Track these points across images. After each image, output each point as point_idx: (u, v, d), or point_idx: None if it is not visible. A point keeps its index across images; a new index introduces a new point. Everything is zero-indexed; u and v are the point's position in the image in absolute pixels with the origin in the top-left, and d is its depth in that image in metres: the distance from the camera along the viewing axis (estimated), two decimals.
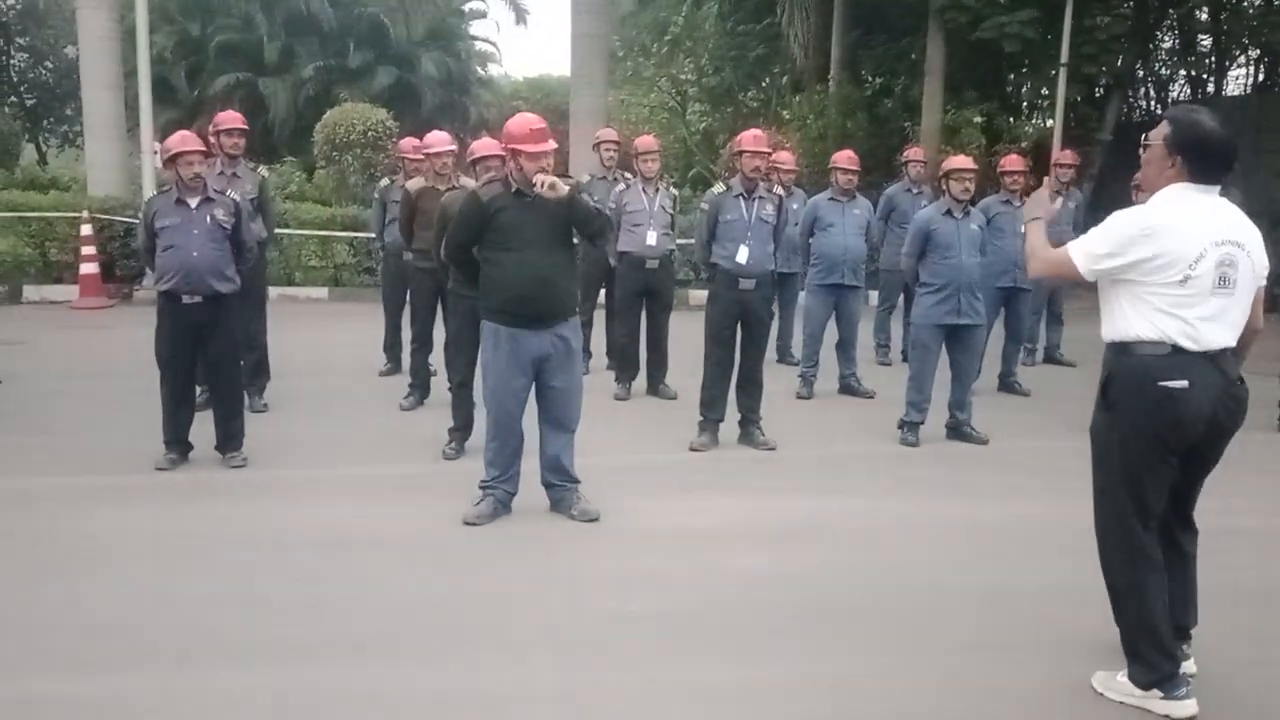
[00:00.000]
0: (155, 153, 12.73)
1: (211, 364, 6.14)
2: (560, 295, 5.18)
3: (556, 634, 4.06)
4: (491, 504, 5.30)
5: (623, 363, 8.32)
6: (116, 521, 5.22)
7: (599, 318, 8.95)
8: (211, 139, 7.07)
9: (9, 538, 4.96)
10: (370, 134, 14.99)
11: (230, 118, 7.39)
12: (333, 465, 6.26)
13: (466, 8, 30.66)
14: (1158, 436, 3.36)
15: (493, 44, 50.39)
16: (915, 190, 9.61)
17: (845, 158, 8.58)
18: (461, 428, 6.46)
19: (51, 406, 7.53)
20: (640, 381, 8.29)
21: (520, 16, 30.16)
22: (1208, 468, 3.54)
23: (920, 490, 6.06)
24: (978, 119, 16.73)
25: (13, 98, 28.81)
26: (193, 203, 5.97)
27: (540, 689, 3.63)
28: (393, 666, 3.76)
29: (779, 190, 7.09)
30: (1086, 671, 3.71)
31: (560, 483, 5.40)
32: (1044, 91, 19.12)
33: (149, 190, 12.02)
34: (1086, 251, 3.42)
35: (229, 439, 6.17)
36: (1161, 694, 3.45)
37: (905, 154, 10.27)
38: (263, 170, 7.86)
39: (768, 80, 23.43)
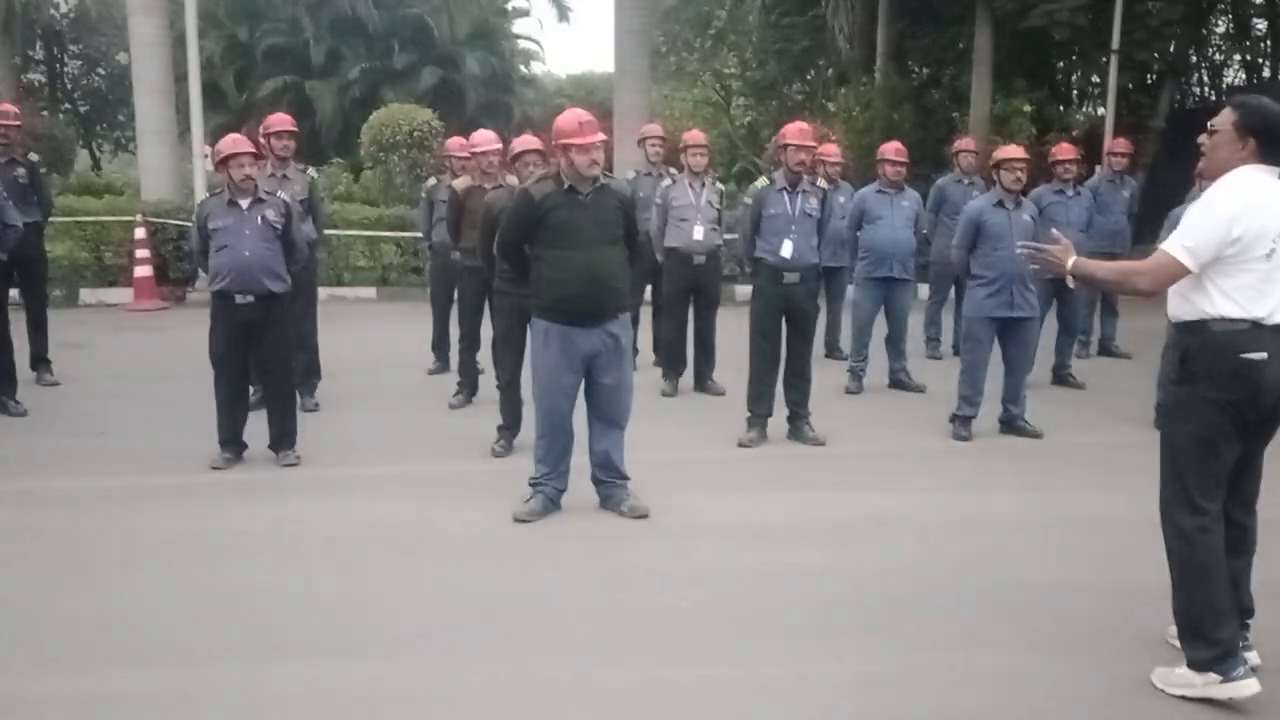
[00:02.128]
0: (206, 156, 12.91)
1: (264, 363, 6.21)
2: (611, 292, 5.17)
3: (608, 630, 4.05)
4: (541, 501, 5.31)
5: (670, 359, 8.30)
6: (173, 520, 5.30)
7: (645, 314, 8.93)
8: (262, 141, 7.14)
9: (70, 537, 5.05)
10: (416, 134, 15.10)
11: (280, 120, 7.46)
12: (383, 463, 6.30)
13: (510, 6, 30.81)
14: (1236, 407, 3.44)
15: (536, 42, 50.62)
16: (966, 181, 9.50)
17: (893, 149, 8.49)
18: (510, 425, 6.48)
19: (109, 408, 7.66)
20: (687, 378, 8.27)
21: (563, 14, 30.31)
22: (1268, 440, 3.61)
23: (974, 485, 5.99)
24: (1027, 108, 16.51)
25: (66, 105, 29.43)
26: (244, 204, 6.04)
27: (593, 685, 3.62)
28: (445, 663, 3.78)
29: (823, 183, 7.03)
30: (1147, 668, 3.65)
31: (610, 479, 5.40)
32: (1094, 79, 18.84)
33: (201, 194, 12.20)
34: (1185, 247, 3.45)
35: (282, 438, 6.24)
36: (1220, 678, 3.46)
37: (955, 145, 10.15)
38: (312, 172, 7.92)
39: (812, 73, 23.31)
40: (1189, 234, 3.46)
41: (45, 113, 22.39)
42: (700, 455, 6.56)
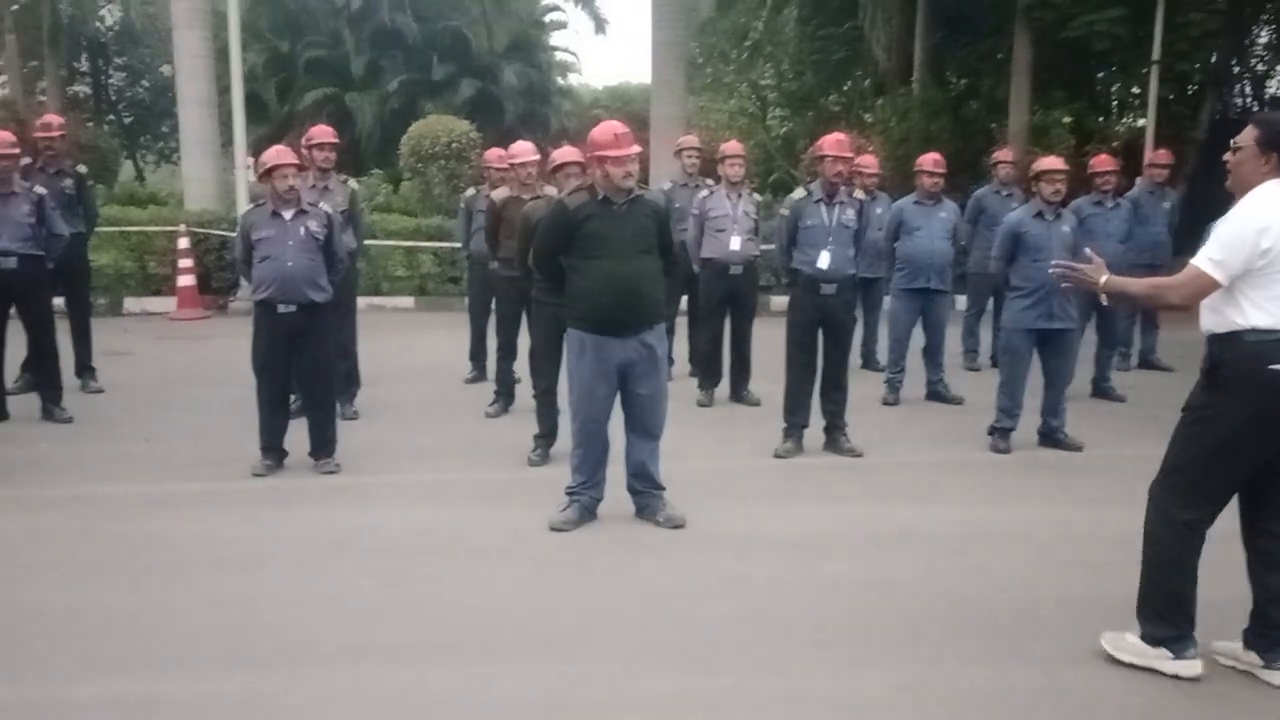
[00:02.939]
0: (248, 167, 13.11)
1: (305, 372, 6.28)
2: (646, 303, 5.19)
3: (643, 640, 4.06)
4: (577, 510, 5.33)
5: (706, 369, 8.31)
6: (214, 526, 5.37)
7: (681, 325, 8.94)
8: (304, 153, 7.23)
9: (113, 541, 5.13)
10: (454, 145, 15.21)
11: (322, 132, 7.54)
12: (421, 471, 6.36)
13: (548, 19, 30.95)
14: (1264, 420, 3.52)
15: (573, 53, 50.87)
16: (1005, 192, 9.45)
17: (931, 160, 8.46)
18: (546, 434, 6.51)
19: (152, 415, 7.76)
20: (723, 388, 8.27)
21: (600, 25, 30.36)
22: None
23: (1013, 499, 5.95)
24: (1066, 119, 16.38)
25: (111, 116, 29.88)
26: (287, 215, 6.12)
27: (628, 695, 3.63)
28: (481, 671, 3.80)
29: (860, 194, 7.02)
30: (1190, 684, 3.61)
31: (646, 489, 5.41)
32: (1134, 90, 18.67)
33: (243, 204, 12.37)
34: (1215, 262, 3.53)
35: (322, 445, 6.30)
36: (1171, 654, 3.66)
37: (994, 155, 10.10)
38: (353, 183, 8.01)
39: (849, 84, 23.25)
40: (1218, 248, 3.53)
41: (90, 124, 22.77)
42: (736, 466, 6.56)
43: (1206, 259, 3.55)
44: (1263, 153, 3.58)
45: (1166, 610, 3.69)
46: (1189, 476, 3.66)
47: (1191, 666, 3.67)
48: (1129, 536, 5.19)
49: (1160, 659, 3.69)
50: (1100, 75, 18.98)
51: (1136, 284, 4.02)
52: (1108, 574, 4.75)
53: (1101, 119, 18.19)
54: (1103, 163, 8.63)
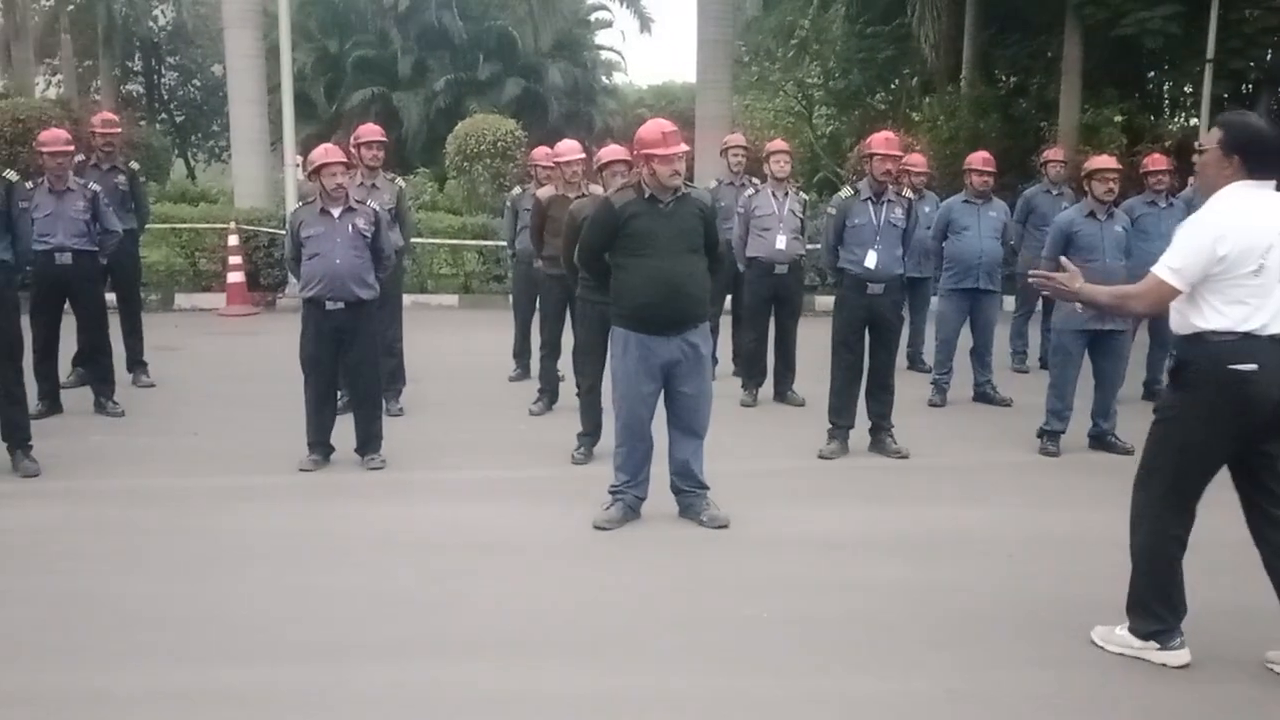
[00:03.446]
0: (297, 165, 13.25)
1: (352, 369, 6.33)
2: (691, 302, 5.17)
3: (687, 639, 4.05)
4: (621, 509, 5.33)
5: (750, 369, 8.27)
6: (262, 520, 5.43)
7: (725, 324, 8.91)
8: (352, 151, 7.29)
9: (164, 534, 5.20)
10: (499, 144, 15.26)
11: (370, 130, 7.59)
12: (465, 468, 6.38)
13: (593, 17, 31.02)
14: (1226, 417, 3.61)
15: (618, 52, 50.91)
16: (1055, 192, 9.32)
17: (980, 159, 8.37)
18: (590, 433, 6.51)
19: (202, 409, 7.86)
20: (767, 388, 8.23)
21: (645, 24, 30.40)
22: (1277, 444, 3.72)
23: (1063, 502, 5.86)
24: (1118, 118, 16.13)
25: (163, 115, 30.36)
26: (335, 212, 6.17)
27: (673, 694, 3.62)
28: (525, 667, 3.81)
29: (908, 193, 6.95)
30: (1243, 691, 3.57)
31: (689, 489, 5.39)
32: (1187, 88, 18.35)
33: (292, 202, 12.49)
34: (1174, 270, 3.62)
35: (368, 442, 6.35)
36: (1159, 645, 3.77)
37: (1044, 154, 9.97)
38: (400, 181, 8.06)
39: (896, 82, 23.06)
40: (1177, 256, 3.61)
41: (143, 122, 23.12)
42: (780, 466, 6.53)
43: (1166, 267, 3.62)
44: (1226, 155, 3.62)
45: (1153, 605, 3.79)
46: (1164, 477, 3.76)
47: (1177, 656, 3.77)
48: None
49: (1147, 650, 3.80)
50: (1152, 73, 18.67)
51: (1105, 292, 4.04)
52: None
53: (1153, 118, 17.90)
54: (1156, 162, 8.48)
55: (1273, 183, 3.66)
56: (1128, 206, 7.96)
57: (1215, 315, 3.58)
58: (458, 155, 15.55)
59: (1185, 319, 3.67)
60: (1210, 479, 3.75)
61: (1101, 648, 3.91)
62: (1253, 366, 3.54)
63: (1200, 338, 3.62)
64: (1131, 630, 3.85)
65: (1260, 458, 3.71)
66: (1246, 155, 3.61)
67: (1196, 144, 3.72)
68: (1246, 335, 3.55)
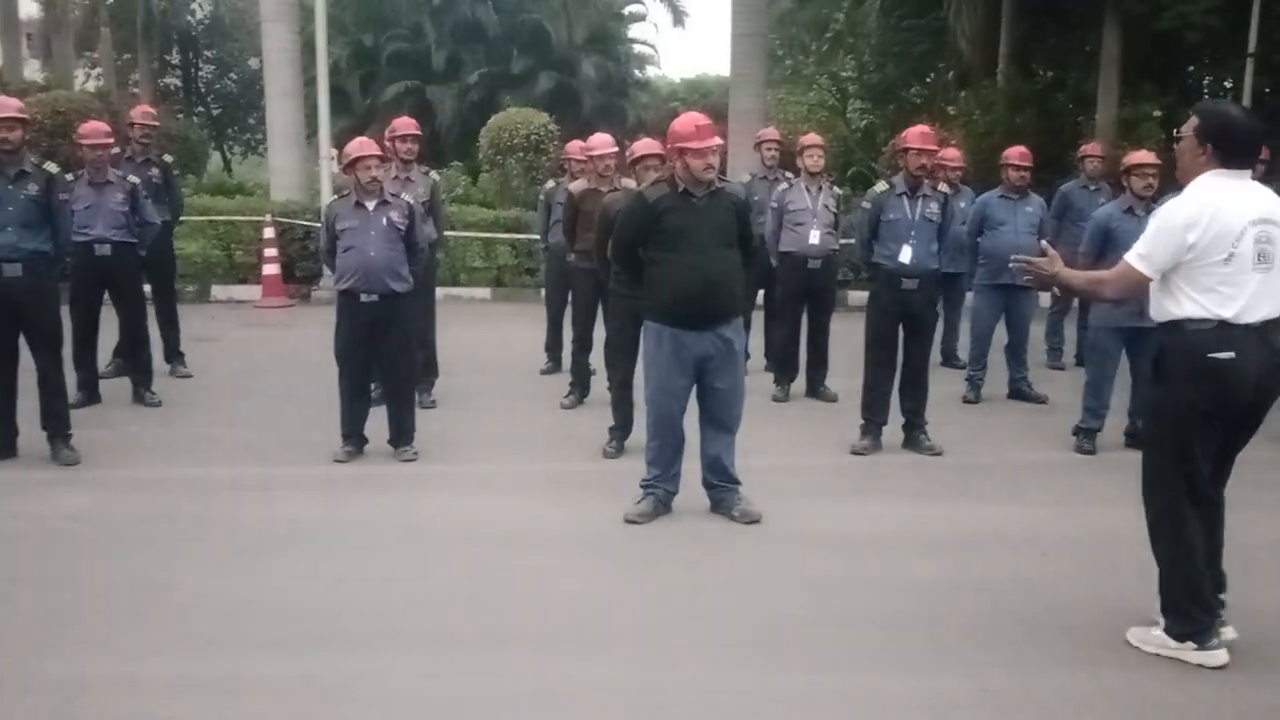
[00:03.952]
0: (332, 158, 13.33)
1: (386, 361, 6.37)
2: (725, 297, 5.16)
3: (717, 635, 4.04)
4: (652, 503, 5.33)
5: (782, 364, 8.24)
6: (296, 510, 5.48)
7: (758, 319, 8.88)
8: (387, 144, 7.32)
9: (200, 523, 5.26)
10: (532, 138, 15.29)
11: (405, 124, 7.62)
12: (497, 461, 6.41)
13: (626, 11, 31.01)
14: (1207, 405, 3.65)
15: (651, 46, 50.82)
16: (1092, 187, 9.22)
17: (1018, 153, 8.29)
18: (621, 426, 6.51)
19: (238, 400, 7.94)
20: (799, 384, 8.20)
21: (679, 18, 30.36)
22: (1251, 431, 3.80)
23: (1098, 501, 5.79)
24: (1157, 113, 15.91)
25: (200, 108, 30.65)
26: (370, 205, 6.20)
27: (702, 688, 3.62)
28: (556, 659, 3.82)
29: (944, 188, 6.90)
30: None
31: (721, 484, 5.38)
32: (1228, 83, 18.06)
33: (327, 195, 12.57)
34: (1143, 256, 3.70)
35: (401, 434, 6.38)
36: (1195, 645, 3.74)
37: (1081, 149, 9.85)
38: (434, 175, 8.09)
39: (932, 76, 22.87)
40: (1145, 243, 3.69)
41: (180, 116, 23.36)
42: (812, 462, 6.51)
43: (1136, 254, 3.70)
44: (1200, 143, 3.68)
45: (1183, 603, 3.76)
46: (1160, 471, 3.80)
47: (1215, 657, 3.73)
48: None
49: (1184, 650, 3.77)
50: (1191, 68, 18.42)
51: (1078, 277, 4.16)
52: None
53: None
54: None
55: (1246, 172, 3.71)
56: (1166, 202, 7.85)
57: (1190, 304, 3.62)
58: (491, 149, 15.60)
59: (1163, 307, 3.72)
60: (1210, 460, 3.76)
61: (1138, 649, 3.87)
62: (1229, 355, 3.58)
63: (1177, 326, 3.67)
64: (1167, 631, 3.82)
65: (1227, 444, 3.81)
66: (1219, 144, 3.67)
67: (1176, 131, 3.80)
68: (1222, 324, 3.59)
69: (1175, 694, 3.60)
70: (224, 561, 4.76)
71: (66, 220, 6.44)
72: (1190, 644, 3.76)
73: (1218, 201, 3.61)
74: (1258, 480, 3.78)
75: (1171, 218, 3.64)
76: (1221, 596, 3.85)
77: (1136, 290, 3.81)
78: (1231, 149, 3.67)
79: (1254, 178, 3.86)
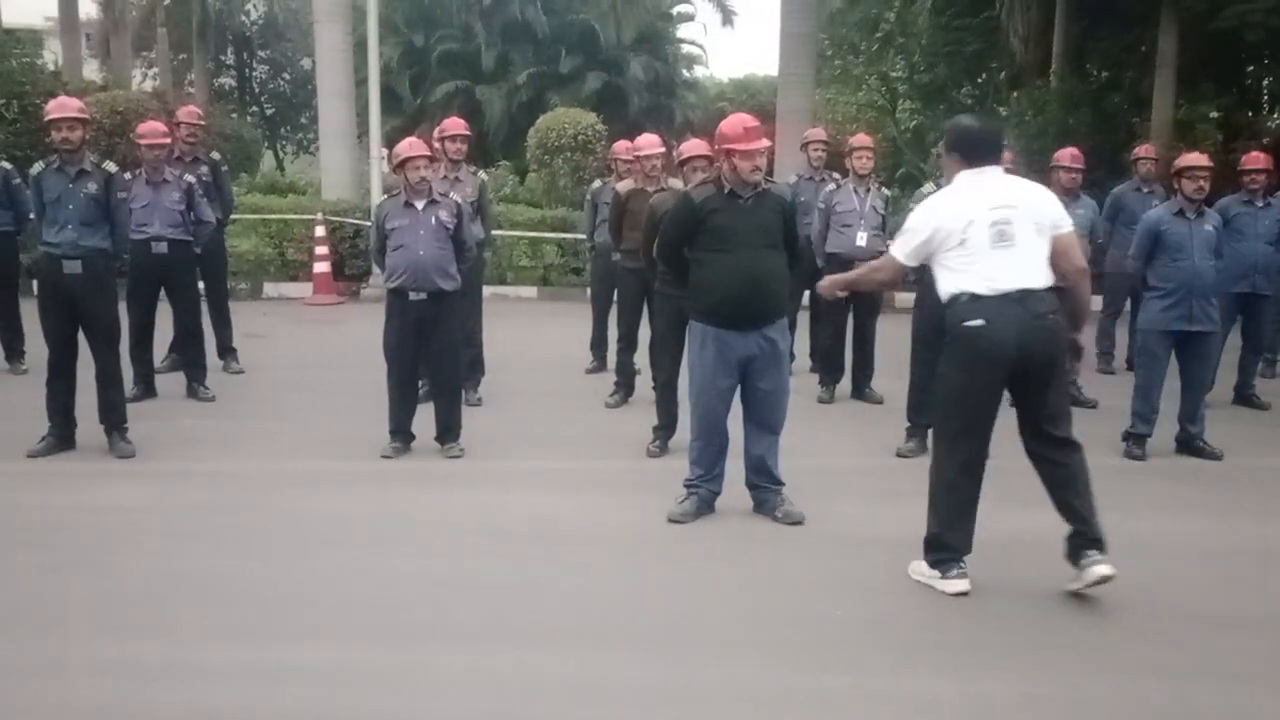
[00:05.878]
0: (382, 158, 13.48)
1: (434, 358, 6.44)
2: (770, 297, 5.17)
3: (759, 635, 4.06)
4: (695, 503, 5.35)
5: (827, 366, 8.22)
6: (344, 504, 5.57)
7: (803, 319, 8.86)
8: (436, 144, 7.40)
9: (251, 515, 5.36)
10: (580, 138, 15.35)
11: (454, 124, 7.69)
12: (542, 459, 6.46)
13: (675, 11, 30.98)
14: (971, 367, 4.23)
15: (699, 46, 50.72)
16: (1145, 190, 9.10)
17: (1069, 155, 8.19)
18: (665, 426, 6.54)
19: (288, 396, 8.07)
20: (844, 385, 8.17)
21: (727, 17, 30.27)
22: (1044, 390, 4.31)
23: (1148, 507, 5.72)
24: (1214, 114, 15.64)
25: (254, 107, 31.08)
26: (419, 205, 6.28)
27: (743, 688, 3.64)
28: (598, 656, 3.85)
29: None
30: None
31: (765, 484, 5.39)
32: None
33: (377, 194, 12.72)
34: (897, 246, 4.50)
35: (448, 430, 6.45)
36: (940, 574, 4.39)
37: (1135, 151, 9.73)
38: (482, 174, 8.16)
39: (984, 76, 22.63)
40: (900, 235, 4.45)
41: (234, 115, 23.71)
42: (857, 464, 6.49)
43: (896, 244, 4.50)
44: (949, 154, 4.40)
45: (938, 538, 4.40)
46: (947, 424, 4.42)
47: (954, 584, 4.34)
48: (1269, 551, 5.00)
49: (932, 579, 4.41)
50: (1251, 68, 18.07)
51: (856, 271, 5.36)
52: (1241, 590, 4.57)
53: (1251, 114, 17.32)
54: (1253, 160, 8.23)
55: (990, 168, 4.31)
56: (1222, 206, 7.75)
57: (949, 283, 4.27)
58: (539, 149, 15.68)
59: (939, 287, 4.33)
60: (988, 420, 4.32)
61: (914, 578, 4.48)
62: (979, 322, 4.15)
63: (950, 301, 4.26)
64: (925, 560, 4.45)
65: (1026, 405, 4.34)
66: (960, 150, 4.36)
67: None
68: (974, 296, 4.17)
69: (1224, 702, 3.56)
70: (274, 553, 4.86)
71: (125, 218, 6.58)
72: (935, 572, 4.40)
73: (955, 198, 4.30)
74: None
75: (916, 215, 4.44)
76: (1095, 553, 4.28)
77: (900, 274, 4.63)
78: (970, 152, 4.33)
79: (1005, 170, 4.44)
